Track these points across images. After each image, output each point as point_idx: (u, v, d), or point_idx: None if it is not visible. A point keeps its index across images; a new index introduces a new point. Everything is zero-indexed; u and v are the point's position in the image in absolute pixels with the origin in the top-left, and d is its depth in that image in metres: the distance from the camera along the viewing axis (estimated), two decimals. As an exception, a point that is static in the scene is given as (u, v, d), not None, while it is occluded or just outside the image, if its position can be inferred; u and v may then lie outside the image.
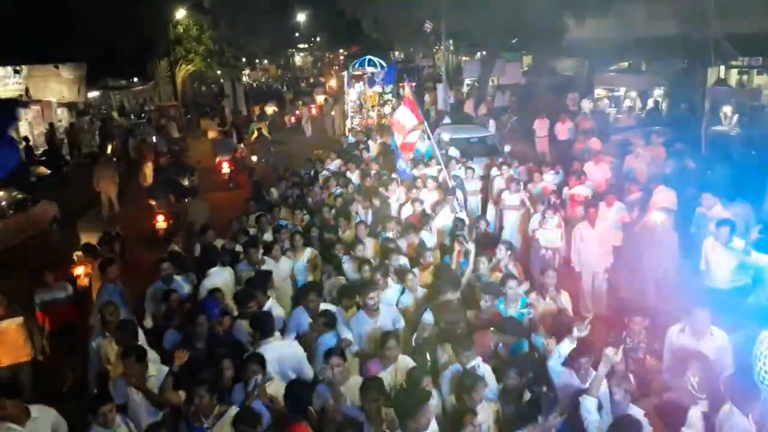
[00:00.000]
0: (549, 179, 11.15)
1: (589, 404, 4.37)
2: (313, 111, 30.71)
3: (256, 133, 19.88)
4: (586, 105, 21.00)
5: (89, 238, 10.69)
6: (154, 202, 12.70)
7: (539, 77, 26.40)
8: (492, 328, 5.57)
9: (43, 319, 7.35)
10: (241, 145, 20.06)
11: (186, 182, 14.79)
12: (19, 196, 12.94)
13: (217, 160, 17.98)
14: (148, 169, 17.94)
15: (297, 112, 29.98)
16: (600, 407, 4.46)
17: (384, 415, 4.49)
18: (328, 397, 4.78)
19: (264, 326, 5.53)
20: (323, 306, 6.22)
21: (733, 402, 4.34)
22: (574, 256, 8.52)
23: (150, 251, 9.18)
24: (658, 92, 22.37)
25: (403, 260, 7.37)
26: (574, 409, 4.56)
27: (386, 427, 4.46)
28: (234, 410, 4.66)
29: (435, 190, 10.30)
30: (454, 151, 13.49)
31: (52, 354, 7.18)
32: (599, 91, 24.42)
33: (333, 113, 25.66)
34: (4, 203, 12.29)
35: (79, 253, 9.32)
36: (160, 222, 12.03)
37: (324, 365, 4.93)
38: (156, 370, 5.27)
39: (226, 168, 17.70)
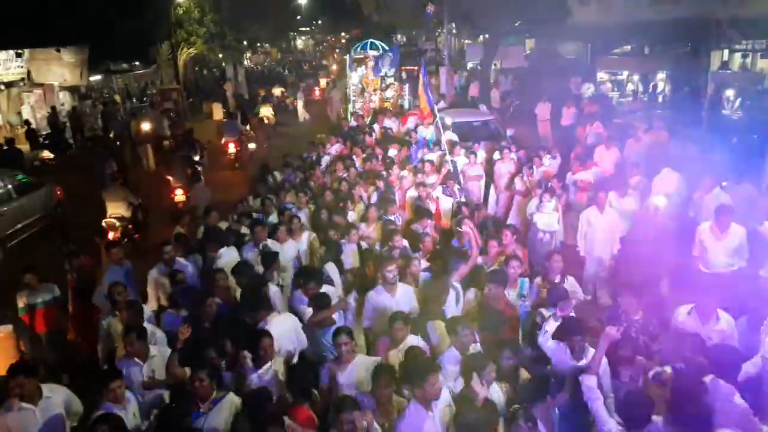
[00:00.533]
0: (546, 164, 11.22)
1: (589, 382, 4.43)
2: (317, 93, 30.74)
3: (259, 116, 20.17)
4: (588, 89, 20.96)
5: (115, 208, 11.03)
6: (171, 177, 13.06)
7: (542, 61, 26.31)
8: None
9: (30, 323, 6.93)
10: (247, 126, 20.52)
11: (197, 158, 15.25)
12: (24, 179, 13.00)
13: (224, 140, 18.49)
14: (149, 153, 18.12)
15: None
16: (599, 386, 4.51)
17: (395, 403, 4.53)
18: (334, 374, 4.87)
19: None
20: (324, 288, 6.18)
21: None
22: (581, 242, 8.50)
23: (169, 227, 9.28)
24: (660, 76, 22.33)
25: (404, 243, 7.37)
26: (571, 387, 4.67)
27: (395, 414, 4.46)
28: (232, 396, 4.71)
29: (434, 174, 10.32)
30: (451, 135, 13.49)
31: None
32: (602, 75, 24.36)
33: (332, 96, 25.64)
34: (9, 186, 12.32)
35: (110, 220, 10.43)
36: (179, 196, 12.41)
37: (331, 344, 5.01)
38: (157, 350, 5.33)
39: (232, 148, 18.27)
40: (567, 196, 10.02)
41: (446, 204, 9.41)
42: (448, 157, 10.72)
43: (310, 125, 24.69)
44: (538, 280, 6.61)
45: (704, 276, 7.15)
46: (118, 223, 10.53)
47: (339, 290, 6.79)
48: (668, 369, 4.61)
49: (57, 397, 4.79)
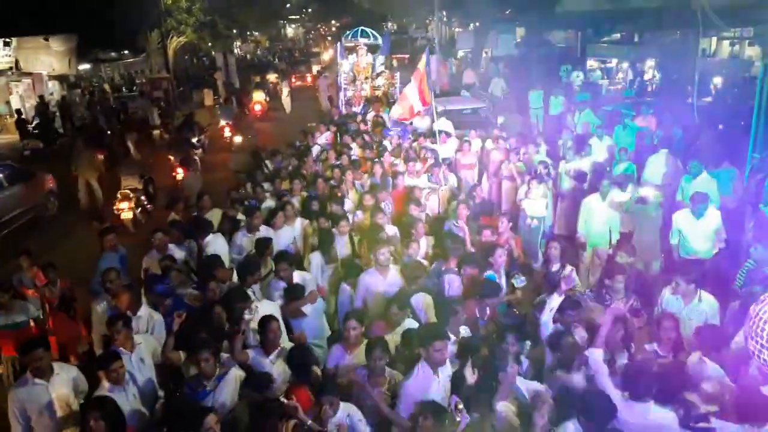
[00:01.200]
0: (531, 151, 11.30)
1: (596, 356, 4.53)
2: (308, 79, 30.82)
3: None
4: (578, 77, 21.08)
5: (129, 182, 12.41)
6: (172, 156, 13.94)
7: (532, 48, 26.36)
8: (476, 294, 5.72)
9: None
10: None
11: (195, 140, 16.12)
12: (14, 167, 12.93)
13: (220, 124, 19.61)
14: (132, 141, 18.17)
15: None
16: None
17: (387, 375, 4.66)
18: (344, 357, 4.98)
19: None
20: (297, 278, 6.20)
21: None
22: (581, 229, 8.39)
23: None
24: (650, 64, 22.46)
25: (394, 230, 7.47)
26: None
27: (387, 389, 4.60)
28: (235, 371, 4.81)
29: (419, 162, 10.28)
30: (445, 123, 13.54)
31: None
32: (591, 63, 24.46)
33: (320, 84, 25.58)
34: (1, 175, 12.29)
35: (125, 190, 11.91)
36: (180, 174, 13.00)
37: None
38: (142, 338, 5.28)
39: (227, 132, 19.42)
40: (558, 185, 10.11)
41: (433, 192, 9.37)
42: (428, 145, 10.71)
43: (301, 114, 24.63)
44: (537, 266, 6.75)
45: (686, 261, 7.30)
46: (131, 194, 12.03)
47: (320, 279, 6.87)
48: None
49: (66, 374, 4.85)
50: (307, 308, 5.95)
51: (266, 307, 5.70)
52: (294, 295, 5.82)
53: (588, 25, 23.75)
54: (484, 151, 11.95)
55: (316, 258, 7.07)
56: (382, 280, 6.09)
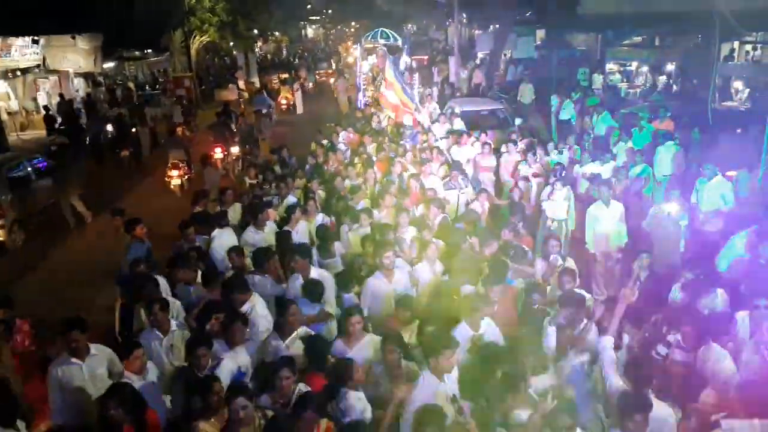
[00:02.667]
0: (554, 155, 11.37)
1: (606, 343, 4.64)
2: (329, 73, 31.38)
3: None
4: (597, 79, 21.03)
5: (175, 156, 14.83)
6: (212, 137, 15.87)
7: (552, 51, 26.31)
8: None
9: None
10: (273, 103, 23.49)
11: (233, 126, 17.48)
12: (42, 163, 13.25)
13: (254, 110, 20.91)
14: (145, 137, 19.03)
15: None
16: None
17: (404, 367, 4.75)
18: (344, 350, 5.09)
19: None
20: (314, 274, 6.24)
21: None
22: (589, 237, 8.35)
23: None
24: (670, 67, 22.36)
25: (413, 232, 7.50)
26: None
27: (405, 380, 4.66)
28: (227, 362, 4.90)
29: (434, 162, 10.31)
30: (459, 123, 13.62)
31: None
32: (611, 66, 24.38)
33: (339, 85, 25.81)
34: (29, 168, 12.64)
35: (174, 161, 14.58)
36: (218, 153, 15.00)
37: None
38: (176, 325, 5.51)
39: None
40: (575, 189, 10.07)
41: (451, 197, 9.30)
42: (442, 146, 10.77)
43: (313, 116, 24.80)
44: (538, 261, 6.85)
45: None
46: (180, 164, 14.63)
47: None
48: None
49: (102, 355, 5.03)
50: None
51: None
52: (310, 291, 5.83)
53: (609, 28, 23.66)
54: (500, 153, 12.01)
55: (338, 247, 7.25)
56: (387, 283, 6.11)
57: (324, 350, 5.03)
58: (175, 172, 14.59)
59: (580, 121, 15.42)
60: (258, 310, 5.68)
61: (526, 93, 20.17)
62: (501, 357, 4.61)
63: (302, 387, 4.52)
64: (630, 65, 24.39)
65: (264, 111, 20.83)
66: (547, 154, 11.24)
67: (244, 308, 5.62)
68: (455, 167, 9.97)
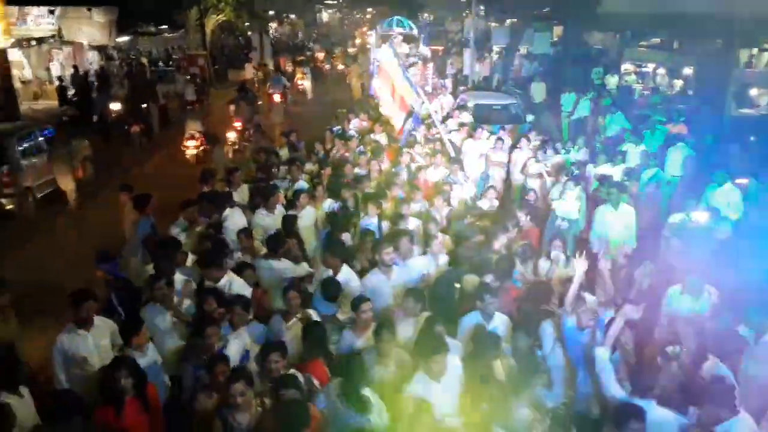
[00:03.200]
0: (565, 153, 11.33)
1: (601, 354, 4.59)
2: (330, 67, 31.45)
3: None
4: (612, 79, 20.86)
5: (193, 127, 15.42)
6: (232, 107, 16.55)
7: (568, 49, 26.13)
8: None
9: None
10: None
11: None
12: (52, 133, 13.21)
13: (270, 92, 21.29)
14: (154, 115, 19.05)
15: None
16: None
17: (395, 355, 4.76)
18: (353, 341, 5.08)
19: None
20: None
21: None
22: (594, 239, 8.17)
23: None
24: (687, 71, 22.15)
25: (416, 223, 7.46)
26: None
27: (396, 367, 4.71)
28: (235, 341, 5.00)
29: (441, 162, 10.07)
30: (466, 117, 13.51)
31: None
32: (627, 66, 24.19)
33: (352, 70, 25.74)
34: (41, 139, 12.65)
35: (192, 132, 15.20)
36: (238, 126, 15.91)
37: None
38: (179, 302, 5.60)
39: (277, 98, 20.94)
40: (587, 189, 9.98)
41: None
42: (444, 138, 10.72)
43: (323, 101, 24.80)
44: (541, 262, 6.83)
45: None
46: (197, 134, 15.29)
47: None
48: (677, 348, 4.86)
49: (105, 326, 5.13)
50: None
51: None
52: (326, 289, 5.66)
53: (628, 28, 23.46)
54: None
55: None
56: (385, 280, 5.99)
57: (321, 335, 5.00)
58: (191, 143, 15.18)
59: (593, 120, 15.33)
60: (235, 287, 5.71)
61: (538, 92, 20.02)
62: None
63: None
64: (646, 66, 24.17)
65: (279, 92, 21.08)
66: (557, 152, 11.20)
67: (221, 283, 5.69)
68: (455, 161, 9.85)
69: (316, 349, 4.86)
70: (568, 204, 8.78)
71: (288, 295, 5.34)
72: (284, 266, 6.36)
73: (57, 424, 3.99)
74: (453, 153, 10.33)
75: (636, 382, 4.31)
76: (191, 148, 15.21)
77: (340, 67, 33.41)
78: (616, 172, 9.94)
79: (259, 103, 20.39)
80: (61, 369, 4.89)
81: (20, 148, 11.79)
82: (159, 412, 4.62)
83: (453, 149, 10.54)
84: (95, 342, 5.00)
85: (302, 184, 8.82)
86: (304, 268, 6.53)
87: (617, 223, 7.99)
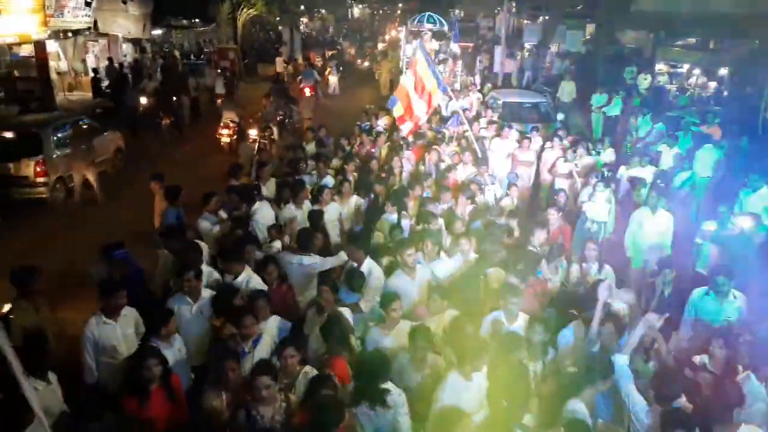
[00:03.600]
0: (596, 153, 11.17)
1: (622, 362, 4.46)
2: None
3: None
4: (645, 80, 20.49)
5: (229, 116, 16.06)
6: (271, 97, 17.31)
7: (601, 47, 25.75)
8: None
9: None
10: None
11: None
12: (85, 125, 13.39)
13: (301, 85, 21.62)
14: (185, 106, 19.37)
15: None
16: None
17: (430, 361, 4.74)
18: (381, 338, 5.10)
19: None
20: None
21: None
22: (628, 242, 7.99)
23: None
24: (723, 72, 21.65)
25: (440, 222, 7.44)
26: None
27: (431, 372, 4.70)
28: (267, 335, 5.07)
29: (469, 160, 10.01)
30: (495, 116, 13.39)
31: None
32: (661, 66, 23.72)
33: (382, 66, 25.72)
34: (71, 130, 12.76)
35: (226, 120, 15.85)
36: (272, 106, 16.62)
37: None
38: (208, 294, 5.56)
39: (308, 92, 21.32)
40: (617, 191, 9.82)
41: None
42: (471, 137, 10.63)
43: (350, 98, 24.83)
44: (574, 267, 6.71)
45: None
46: (231, 123, 15.90)
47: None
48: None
49: (130, 316, 5.25)
50: None
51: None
52: (350, 280, 5.80)
53: (662, 27, 23.00)
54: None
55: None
56: (410, 281, 5.96)
57: (343, 331, 5.00)
58: (225, 131, 15.85)
59: (624, 121, 15.09)
60: (252, 285, 5.75)
61: (567, 91, 19.64)
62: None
63: (308, 370, 4.55)
64: (681, 67, 23.67)
65: (311, 85, 21.48)
66: (588, 153, 11.05)
67: (239, 279, 5.75)
68: (483, 162, 9.78)
69: (338, 345, 4.88)
70: (597, 206, 8.66)
71: (321, 289, 5.39)
72: (314, 261, 6.40)
73: (89, 422, 4.10)
74: (480, 153, 10.29)
75: (660, 391, 4.21)
76: (225, 136, 15.89)
77: (366, 64, 33.55)
78: (647, 174, 9.74)
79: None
80: (92, 358, 4.99)
81: (54, 138, 12.03)
82: (183, 402, 4.69)
83: (480, 148, 10.49)
84: (123, 331, 5.11)
85: (328, 180, 8.88)
86: (341, 257, 6.53)
87: (653, 228, 7.77)
